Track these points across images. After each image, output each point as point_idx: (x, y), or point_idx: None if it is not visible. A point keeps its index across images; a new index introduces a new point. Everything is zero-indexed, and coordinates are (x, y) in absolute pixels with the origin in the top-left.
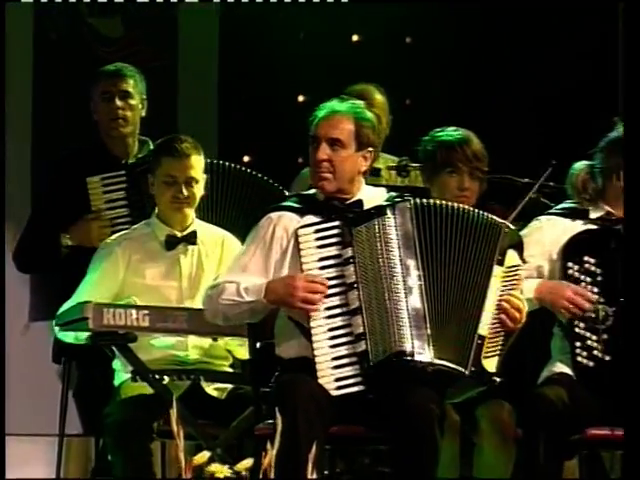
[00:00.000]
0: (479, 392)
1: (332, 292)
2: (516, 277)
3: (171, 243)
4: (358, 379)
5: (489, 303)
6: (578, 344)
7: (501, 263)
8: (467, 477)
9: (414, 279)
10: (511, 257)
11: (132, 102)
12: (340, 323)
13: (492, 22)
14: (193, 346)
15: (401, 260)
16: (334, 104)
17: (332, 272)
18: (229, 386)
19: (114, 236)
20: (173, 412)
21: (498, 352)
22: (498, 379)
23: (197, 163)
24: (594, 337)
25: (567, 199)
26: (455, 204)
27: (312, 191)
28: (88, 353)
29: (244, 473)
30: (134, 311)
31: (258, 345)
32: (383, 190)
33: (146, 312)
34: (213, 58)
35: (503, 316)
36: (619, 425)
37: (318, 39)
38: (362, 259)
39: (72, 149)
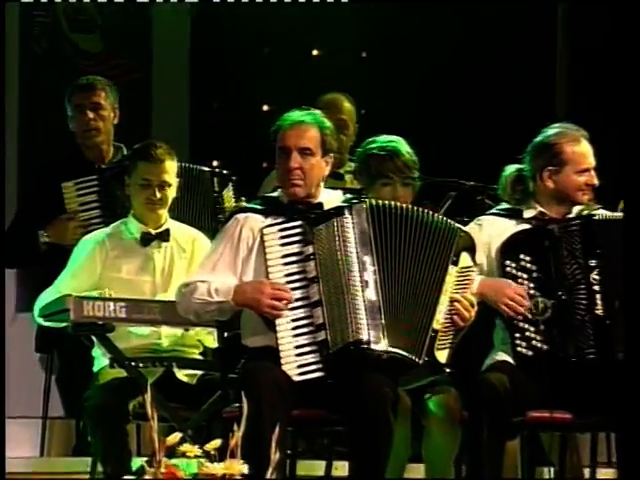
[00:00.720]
0: (430, 381)
1: (294, 286)
2: (468, 278)
3: (146, 240)
4: (318, 366)
5: (443, 300)
6: (518, 335)
7: (455, 264)
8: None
9: (370, 274)
10: (465, 259)
11: (104, 113)
12: (302, 314)
13: (442, 36)
14: (166, 335)
15: (358, 256)
16: (297, 115)
17: (294, 268)
18: (199, 372)
19: (93, 233)
20: (147, 396)
21: (449, 345)
22: (448, 370)
23: (170, 168)
24: (532, 328)
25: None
26: (414, 207)
27: (275, 194)
28: (69, 342)
29: (213, 453)
30: (112, 303)
31: (226, 335)
32: (340, 192)
33: (122, 304)
34: (184, 70)
35: (455, 317)
36: (557, 408)
37: (281, 54)
38: (322, 256)
39: (53, 158)
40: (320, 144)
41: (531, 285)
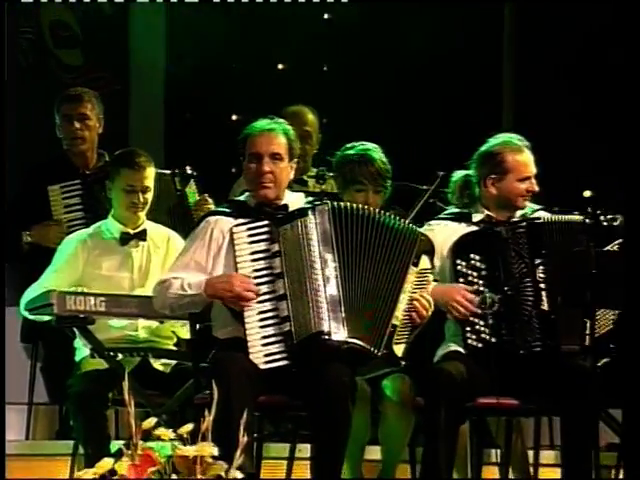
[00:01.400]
0: (386, 372)
1: (261, 281)
2: (427, 279)
3: (125, 239)
4: (283, 355)
5: (403, 298)
6: (468, 328)
7: (416, 265)
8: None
9: (331, 270)
10: (424, 261)
11: (89, 123)
12: (268, 307)
13: (395, 51)
14: (143, 327)
15: (320, 254)
16: (265, 123)
17: (261, 264)
18: (173, 362)
19: (76, 232)
20: (125, 384)
21: (405, 340)
22: (403, 362)
23: (150, 174)
24: (482, 322)
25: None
26: (375, 209)
27: (242, 197)
28: (53, 334)
29: (185, 436)
30: (92, 298)
31: (198, 327)
32: (302, 195)
33: (102, 299)
34: (160, 82)
35: (414, 314)
36: (504, 395)
37: (249, 68)
38: (287, 253)
39: (39, 161)
40: (287, 150)
41: (480, 282)
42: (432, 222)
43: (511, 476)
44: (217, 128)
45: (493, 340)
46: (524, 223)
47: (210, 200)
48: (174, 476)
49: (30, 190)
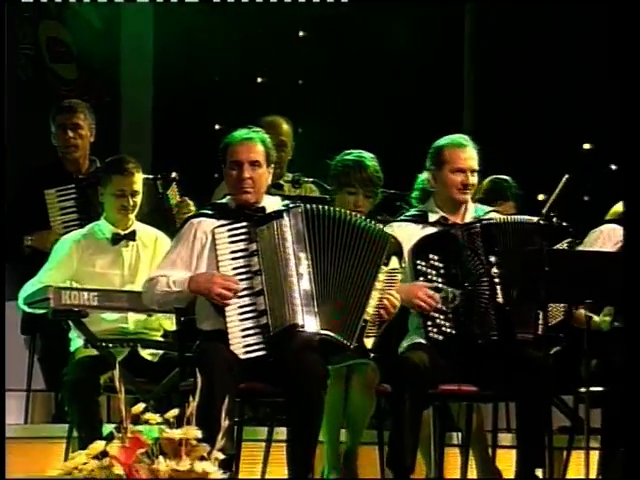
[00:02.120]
0: (356, 362)
1: (241, 278)
2: (395, 278)
3: (116, 239)
4: (261, 346)
5: (374, 295)
6: (429, 322)
7: (386, 265)
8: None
9: (304, 267)
10: (394, 262)
11: (82, 132)
12: (247, 302)
13: (362, 65)
14: (132, 320)
15: (294, 252)
16: (244, 132)
17: (241, 262)
18: (160, 352)
19: (71, 233)
20: (116, 372)
21: (375, 334)
22: (372, 354)
23: (139, 179)
24: (442, 316)
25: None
26: (347, 211)
27: (224, 200)
28: (50, 326)
29: (172, 420)
30: (86, 293)
31: (183, 320)
32: (279, 198)
33: (95, 294)
34: (148, 95)
35: (383, 310)
36: (464, 382)
37: (230, 80)
38: (264, 252)
39: (36, 166)
40: (265, 157)
41: (439, 280)
42: (393, 223)
43: (471, 457)
44: (201, 137)
45: (453, 332)
46: (478, 224)
47: (190, 202)
48: (161, 457)
49: (28, 193)
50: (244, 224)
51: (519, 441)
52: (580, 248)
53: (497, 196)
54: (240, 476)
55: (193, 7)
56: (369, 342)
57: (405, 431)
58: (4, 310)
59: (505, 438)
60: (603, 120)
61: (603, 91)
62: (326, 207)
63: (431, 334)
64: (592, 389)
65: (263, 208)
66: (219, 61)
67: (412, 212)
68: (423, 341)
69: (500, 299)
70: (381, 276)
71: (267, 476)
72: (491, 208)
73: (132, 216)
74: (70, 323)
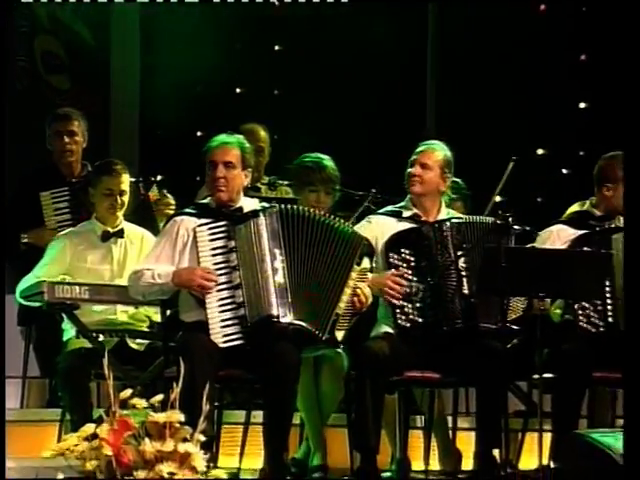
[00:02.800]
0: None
1: (220, 273)
2: (366, 276)
3: (105, 237)
4: (239, 335)
5: (346, 291)
6: (398, 311)
7: (359, 264)
8: None
9: (279, 263)
10: (365, 262)
11: (77, 138)
12: (226, 295)
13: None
14: (121, 312)
15: (269, 249)
16: (223, 137)
17: (220, 258)
18: (147, 341)
19: (64, 231)
20: (105, 360)
21: (345, 327)
22: (342, 346)
23: (126, 179)
24: (410, 306)
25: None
26: (319, 212)
27: (205, 201)
28: (44, 317)
29: (157, 405)
30: (77, 287)
31: (167, 312)
32: (257, 200)
33: (86, 288)
34: (135, 103)
35: (355, 305)
36: (428, 369)
37: (211, 91)
38: (242, 248)
39: (32, 169)
40: (240, 160)
41: (410, 272)
42: (371, 216)
43: (433, 439)
44: (184, 142)
45: (420, 320)
46: (448, 222)
47: (169, 196)
48: (147, 439)
49: (24, 195)
50: (224, 223)
51: (478, 424)
52: (534, 245)
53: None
54: (220, 456)
55: (178, 24)
56: (340, 334)
57: (368, 415)
58: (4, 305)
59: (465, 421)
60: (557, 126)
61: (559, 98)
62: (300, 208)
63: (400, 321)
64: (544, 376)
65: (241, 208)
66: (201, 73)
67: (389, 208)
68: (390, 330)
69: (466, 290)
70: (353, 274)
71: (245, 456)
72: (455, 212)
73: (120, 215)
74: (63, 315)
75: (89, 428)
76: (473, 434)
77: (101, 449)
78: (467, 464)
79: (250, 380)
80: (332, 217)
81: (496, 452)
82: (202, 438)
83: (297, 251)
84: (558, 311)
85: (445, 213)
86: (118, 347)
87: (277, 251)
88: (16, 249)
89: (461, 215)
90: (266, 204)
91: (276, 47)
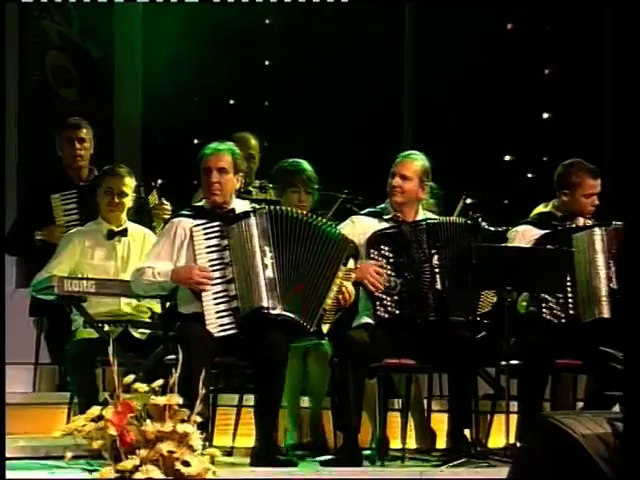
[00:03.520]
0: (313, 342)
1: (215, 269)
2: (351, 275)
3: (110, 235)
4: (232, 325)
5: (333, 288)
6: (378, 303)
7: (345, 265)
8: None
9: (268, 259)
10: (351, 262)
11: (85, 145)
12: (220, 289)
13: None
14: (124, 304)
15: (260, 247)
16: (216, 145)
17: (215, 255)
18: (148, 331)
19: (73, 230)
20: (110, 348)
21: (331, 320)
22: (327, 338)
23: (129, 182)
24: (389, 298)
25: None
26: (305, 213)
27: (200, 203)
28: (55, 309)
29: (157, 389)
30: (85, 281)
31: (167, 304)
32: (247, 202)
33: (93, 282)
34: (138, 112)
35: (339, 302)
36: (405, 357)
37: (207, 102)
38: (234, 246)
39: (44, 174)
40: (232, 165)
41: (389, 267)
42: (353, 217)
43: (410, 419)
44: (182, 149)
45: (397, 312)
46: (424, 223)
47: (167, 203)
48: (148, 420)
49: (36, 197)
50: (217, 223)
51: (450, 406)
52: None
53: None
54: (215, 435)
55: (177, 44)
56: (325, 327)
57: (349, 397)
58: (4, 298)
59: (438, 404)
60: (523, 135)
61: (525, 109)
62: (288, 209)
63: (379, 312)
64: (511, 363)
65: (233, 209)
66: (198, 86)
67: (371, 209)
68: (370, 321)
69: (439, 286)
70: (340, 273)
71: (238, 435)
72: (432, 214)
73: (123, 216)
74: (72, 307)
75: (95, 410)
76: (446, 415)
77: (106, 429)
78: (441, 443)
79: (242, 366)
80: (319, 218)
81: (467, 432)
82: (198, 419)
83: (285, 248)
84: (524, 303)
85: (422, 215)
86: (122, 336)
87: (267, 248)
88: (30, 246)
89: (436, 217)
90: (257, 205)
91: (266, 62)
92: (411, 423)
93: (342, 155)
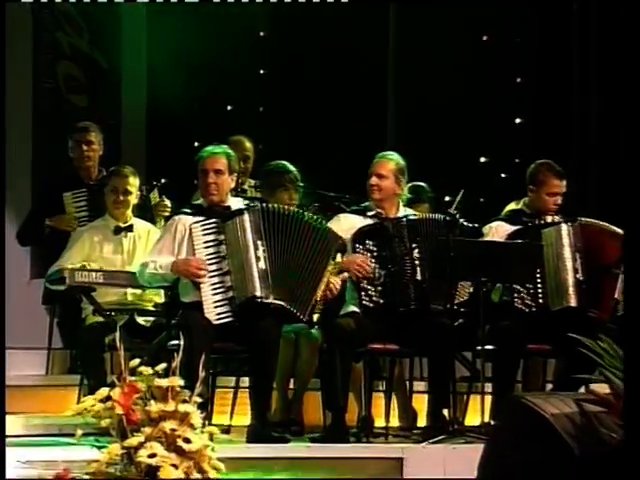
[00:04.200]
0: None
1: (212, 262)
2: (339, 269)
3: (117, 230)
4: (229, 314)
5: (322, 281)
6: (363, 293)
7: (334, 259)
8: None
9: (261, 252)
10: (338, 256)
11: (94, 147)
12: (217, 280)
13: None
14: (130, 294)
15: (253, 241)
16: (211, 148)
17: (212, 249)
18: (152, 318)
19: (84, 227)
20: (117, 334)
21: (320, 310)
22: (316, 326)
23: (133, 182)
24: (373, 288)
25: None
26: (295, 210)
27: (199, 202)
28: (66, 298)
29: (161, 372)
30: (94, 273)
31: (169, 294)
32: (242, 200)
33: (101, 273)
34: (143, 118)
35: (328, 293)
36: (389, 342)
37: (206, 108)
38: (230, 241)
39: (56, 174)
40: (227, 166)
41: (373, 260)
42: (340, 215)
43: (393, 399)
44: (183, 151)
45: (381, 301)
46: (405, 219)
47: (167, 201)
48: (152, 401)
49: (50, 195)
50: (214, 220)
51: (430, 387)
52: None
53: (415, 199)
54: (214, 415)
55: (179, 53)
56: (315, 316)
57: (337, 379)
58: (4, 291)
59: (419, 385)
60: (497, 138)
61: (499, 114)
62: (279, 206)
63: (364, 301)
64: (486, 347)
65: (229, 207)
66: (198, 93)
67: (355, 207)
68: (356, 309)
69: (419, 277)
70: (329, 267)
71: (235, 414)
72: (412, 211)
73: (129, 212)
74: (82, 296)
75: (104, 391)
76: (426, 396)
77: (114, 409)
78: (422, 421)
79: (239, 351)
80: (310, 215)
81: (445, 411)
82: (199, 400)
83: (277, 242)
84: (498, 293)
85: (403, 211)
86: (128, 323)
87: (259, 242)
88: (43, 241)
89: (416, 213)
90: (250, 203)
91: (261, 71)
92: (394, 403)
93: (330, 157)
